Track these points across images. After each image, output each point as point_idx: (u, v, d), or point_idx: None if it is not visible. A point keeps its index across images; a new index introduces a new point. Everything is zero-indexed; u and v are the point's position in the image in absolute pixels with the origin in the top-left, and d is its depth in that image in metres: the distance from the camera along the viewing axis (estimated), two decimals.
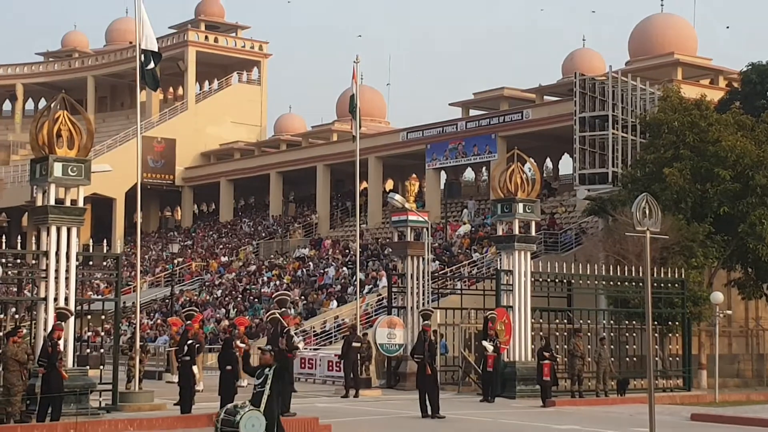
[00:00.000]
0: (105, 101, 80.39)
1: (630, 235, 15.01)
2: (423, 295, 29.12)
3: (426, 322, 22.33)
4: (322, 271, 48.15)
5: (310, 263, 50.75)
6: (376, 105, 68.46)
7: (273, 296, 29.82)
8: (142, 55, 22.90)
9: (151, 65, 23.05)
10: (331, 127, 65.55)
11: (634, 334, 28.54)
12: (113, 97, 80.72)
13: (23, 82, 79.56)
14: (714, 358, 27.46)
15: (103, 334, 39.38)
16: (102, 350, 24.49)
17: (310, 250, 53.64)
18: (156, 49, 23.23)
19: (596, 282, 28.46)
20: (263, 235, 60.80)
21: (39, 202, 19.22)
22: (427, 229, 30.45)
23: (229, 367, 19.41)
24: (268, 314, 27.14)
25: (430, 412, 19.98)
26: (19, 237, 21.85)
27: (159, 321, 46.66)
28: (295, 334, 22.60)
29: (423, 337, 20.85)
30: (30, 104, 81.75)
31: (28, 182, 22.66)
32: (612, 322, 29.05)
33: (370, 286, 42.21)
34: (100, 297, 37.83)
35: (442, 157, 52.05)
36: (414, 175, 61.51)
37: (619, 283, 28.65)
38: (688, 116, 32.70)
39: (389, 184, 63.70)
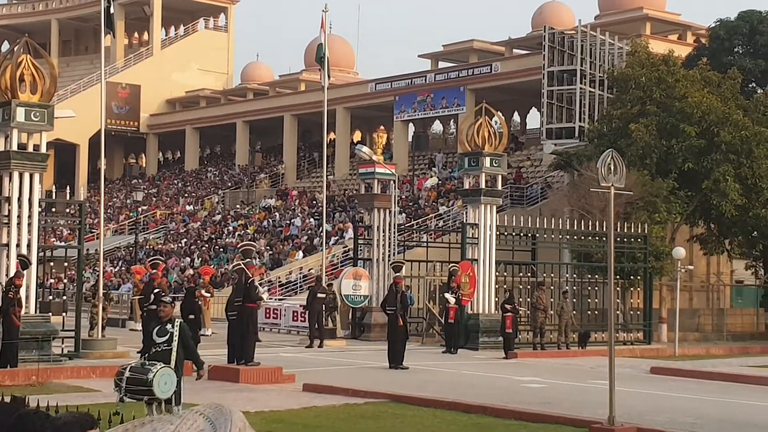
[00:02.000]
0: (69, 45, 79.10)
1: (595, 190, 15.08)
2: (389, 247, 29.18)
3: (398, 274, 22.34)
4: (288, 221, 48.09)
5: (276, 213, 50.65)
6: (345, 55, 67.96)
7: (238, 246, 29.76)
8: None
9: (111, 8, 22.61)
10: (299, 77, 65.06)
11: (597, 288, 28.83)
12: (77, 41, 79.44)
13: None
14: (675, 313, 27.82)
15: (66, 281, 39.23)
16: (65, 297, 24.39)
17: (276, 200, 53.50)
18: None
19: (560, 236, 28.64)
20: (229, 184, 60.52)
21: (1, 148, 18.93)
22: (394, 181, 30.44)
23: (191, 316, 19.42)
24: (233, 264, 27.11)
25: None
26: None
27: (123, 269, 46.48)
28: (260, 284, 22.62)
29: (395, 289, 20.88)
30: None
31: None
32: (575, 275, 29.30)
33: (337, 238, 42.26)
34: (63, 244, 37.56)
35: (411, 109, 51.90)
36: (382, 127, 61.28)
37: (582, 238, 28.85)
38: (656, 72, 32.79)
39: (357, 136, 63.48)
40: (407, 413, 13.70)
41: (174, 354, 10.49)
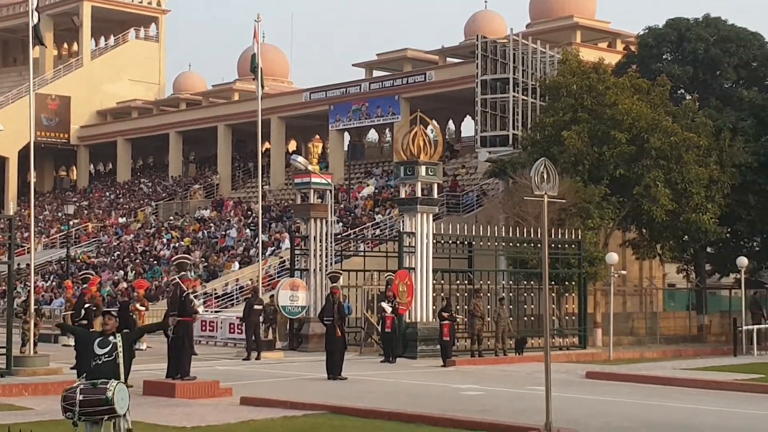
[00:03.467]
0: None
1: (529, 198, 15.22)
2: (326, 257, 29.10)
3: (334, 284, 22.32)
4: (223, 232, 47.72)
5: (212, 225, 50.22)
6: (279, 64, 67.75)
7: (172, 259, 29.45)
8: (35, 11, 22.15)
9: (36, 20, 22.28)
10: (233, 87, 64.67)
11: (532, 294, 29.07)
12: (5, 53, 77.99)
13: None
14: (609, 317, 28.17)
15: None
16: None
17: (211, 211, 53.06)
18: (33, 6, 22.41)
19: (496, 243, 28.84)
20: (163, 195, 59.87)
21: None
22: (331, 191, 30.37)
23: (126, 331, 19.08)
24: (170, 279, 26.77)
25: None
26: None
27: (54, 283, 45.66)
28: (195, 297, 22.36)
29: (332, 300, 20.82)
30: None
31: None
32: (511, 282, 29.53)
33: (273, 248, 42.04)
34: None
35: (346, 118, 51.90)
36: (317, 136, 61.46)
37: (518, 245, 29.08)
38: (586, 80, 33.23)
39: (292, 145, 63.30)
40: (347, 425, 13.65)
41: (122, 366, 10.24)
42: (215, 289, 39.72)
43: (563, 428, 12.71)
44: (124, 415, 9.90)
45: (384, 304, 25.52)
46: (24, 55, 72.93)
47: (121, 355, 10.32)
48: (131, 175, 67.08)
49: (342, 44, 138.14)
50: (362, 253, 32.92)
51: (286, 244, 38.33)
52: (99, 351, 10.36)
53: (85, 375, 10.40)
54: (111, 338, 10.46)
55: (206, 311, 33.00)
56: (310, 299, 28.45)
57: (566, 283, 30.02)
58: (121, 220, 56.84)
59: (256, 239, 39.62)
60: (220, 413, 14.61)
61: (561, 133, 32.05)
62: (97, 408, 9.71)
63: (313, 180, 29.35)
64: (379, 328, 26.82)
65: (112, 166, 70.84)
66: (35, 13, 22.27)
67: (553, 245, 28.00)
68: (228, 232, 47.32)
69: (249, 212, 49.51)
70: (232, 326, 30.55)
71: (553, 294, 29.03)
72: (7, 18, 73.02)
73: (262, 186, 37.83)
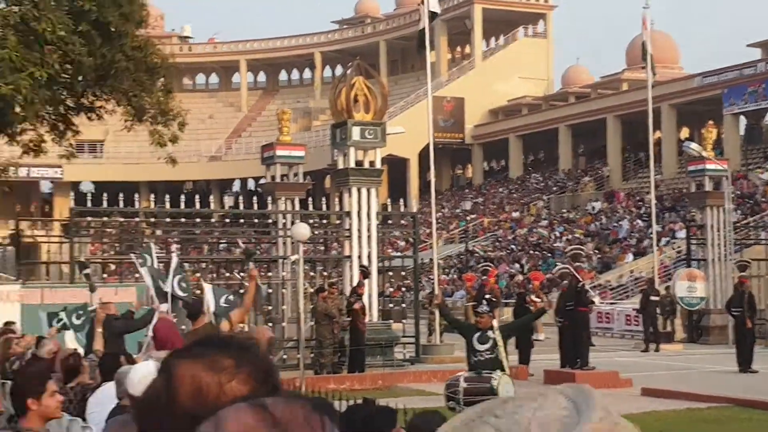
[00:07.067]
0: (396, 64, 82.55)
1: None
2: (724, 246, 27.94)
3: (743, 273, 21.45)
4: (615, 224, 47.32)
5: (603, 216, 50.00)
6: (668, 50, 65.81)
7: (566, 251, 29.74)
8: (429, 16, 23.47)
9: (422, 26, 23.53)
10: (620, 77, 63.84)
11: None
12: (404, 60, 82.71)
13: (320, 50, 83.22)
14: None
15: (403, 289, 41.06)
16: (403, 305, 25.52)
17: (602, 203, 52.83)
18: (437, 10, 23.61)
19: None
20: (553, 189, 60.53)
21: (340, 165, 20.26)
22: (727, 177, 29.12)
23: (502, 325, 19.68)
24: (557, 269, 27.11)
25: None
26: (323, 199, 23.16)
27: (455, 276, 47.83)
28: (590, 288, 22.48)
29: (740, 290, 20.06)
30: (327, 71, 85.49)
31: (328, 146, 24.10)
32: None
33: (667, 239, 41.03)
34: (399, 254, 39.28)
35: (741, 101, 49.29)
36: (711, 122, 58.90)
37: None
38: None
39: (684, 133, 61.22)
40: (754, 418, 13.10)
41: (504, 360, 10.45)
42: (609, 281, 39.53)
43: None
44: None
45: None
46: (421, 61, 77.03)
47: (501, 350, 10.41)
48: (522, 171, 68.48)
49: (734, 24, 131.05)
50: (764, 242, 31.14)
51: (681, 234, 37.23)
52: (479, 347, 10.47)
53: (468, 368, 10.68)
54: (489, 333, 10.48)
55: (602, 303, 32.99)
56: (709, 290, 27.47)
57: None
58: (515, 214, 58.25)
59: (649, 230, 38.88)
60: (622, 404, 14.59)
61: None
62: (480, 397, 9.66)
63: (708, 167, 28.31)
64: None
65: (504, 162, 72.74)
66: (426, 19, 23.59)
67: None
68: (620, 223, 46.86)
69: (640, 203, 48.66)
70: (628, 318, 30.28)
71: None
72: (404, 27, 77.49)
73: (654, 176, 37.04)
